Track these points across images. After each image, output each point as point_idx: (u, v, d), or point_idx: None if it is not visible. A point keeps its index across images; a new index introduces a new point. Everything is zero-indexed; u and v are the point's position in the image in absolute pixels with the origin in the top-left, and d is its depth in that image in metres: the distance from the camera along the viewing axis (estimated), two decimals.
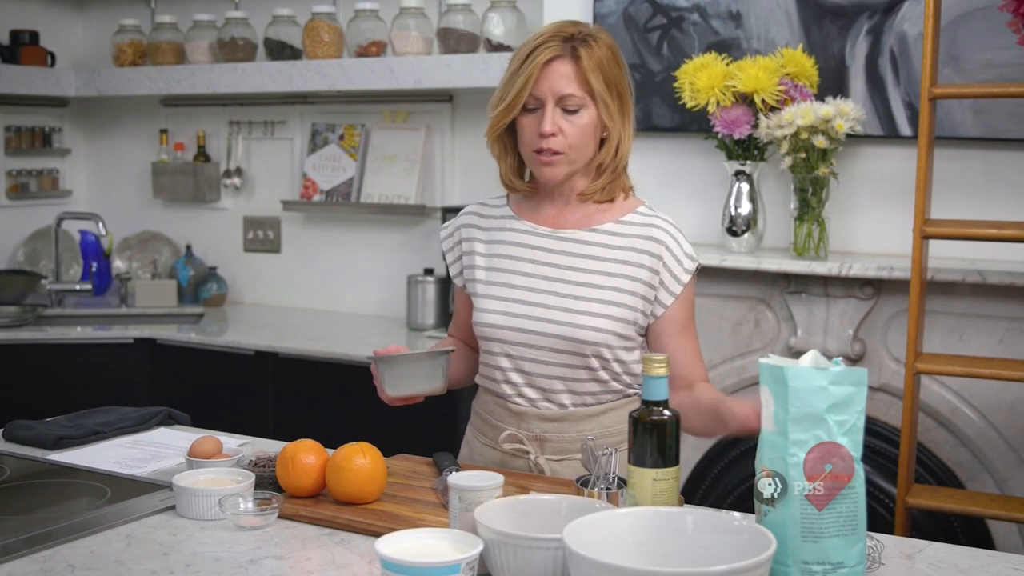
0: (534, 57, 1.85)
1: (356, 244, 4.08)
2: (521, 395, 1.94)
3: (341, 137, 4.01)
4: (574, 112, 1.86)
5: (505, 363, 1.93)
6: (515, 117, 1.90)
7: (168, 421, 2.27)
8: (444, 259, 2.07)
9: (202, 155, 4.31)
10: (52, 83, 4.26)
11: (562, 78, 1.85)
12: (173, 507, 1.70)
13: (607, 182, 1.94)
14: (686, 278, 1.91)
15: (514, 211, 2.00)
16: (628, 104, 1.92)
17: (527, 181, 1.99)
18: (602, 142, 1.93)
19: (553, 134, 1.86)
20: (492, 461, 1.96)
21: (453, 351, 1.91)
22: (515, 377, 1.93)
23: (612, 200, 1.96)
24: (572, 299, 1.89)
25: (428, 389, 1.87)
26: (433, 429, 2.91)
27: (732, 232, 3.02)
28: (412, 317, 3.71)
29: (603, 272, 1.90)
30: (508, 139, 1.96)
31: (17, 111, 4.39)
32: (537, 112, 1.87)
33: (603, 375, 1.91)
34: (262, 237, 4.28)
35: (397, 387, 1.87)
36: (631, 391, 1.94)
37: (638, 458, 1.52)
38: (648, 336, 1.95)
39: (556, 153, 1.87)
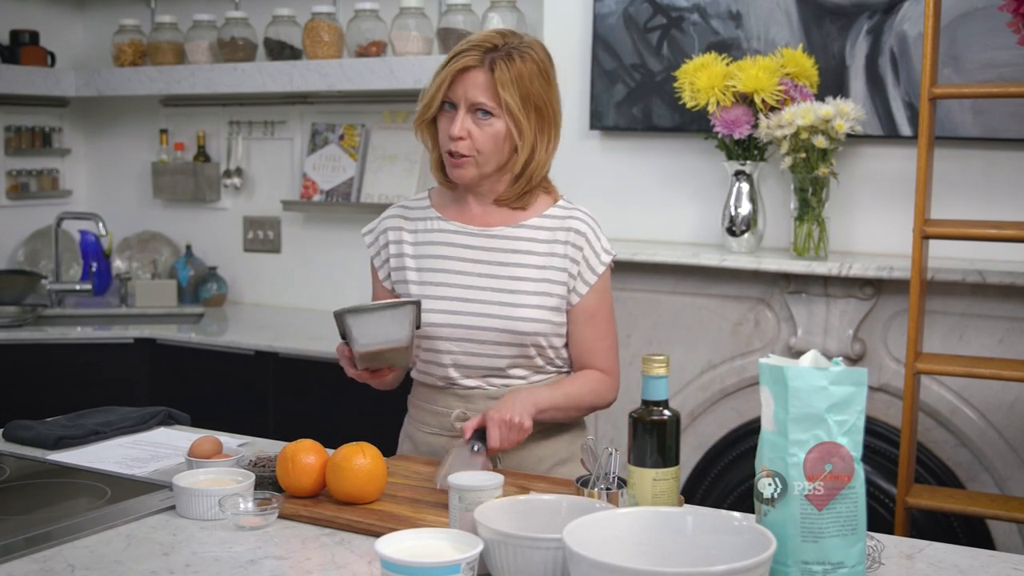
0: (454, 62, 1.93)
1: (356, 244, 4.05)
2: (463, 384, 2.00)
3: (341, 137, 4.01)
4: (484, 119, 1.93)
5: (446, 359, 1.99)
6: (435, 114, 1.98)
7: (168, 421, 2.27)
8: (371, 261, 2.13)
9: (202, 155, 4.31)
10: (52, 83, 4.26)
11: (475, 87, 1.92)
12: (173, 507, 1.70)
13: (522, 191, 2.01)
14: (601, 269, 2.01)
15: (439, 212, 2.07)
16: (549, 118, 1.97)
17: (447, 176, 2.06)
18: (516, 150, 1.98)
19: (461, 138, 1.93)
20: (439, 447, 2.01)
21: (419, 301, 1.90)
22: (458, 370, 2.00)
23: (525, 206, 2.03)
24: (508, 293, 1.97)
25: (396, 341, 1.85)
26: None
27: (732, 232, 3.02)
28: None
29: (533, 265, 1.99)
30: (432, 136, 2.03)
31: (17, 111, 4.39)
32: (451, 114, 1.95)
33: (539, 362, 2.00)
34: (262, 237, 4.28)
35: (366, 340, 1.85)
36: (564, 370, 2.04)
37: (638, 458, 1.52)
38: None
39: (464, 156, 1.94)
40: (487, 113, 1.92)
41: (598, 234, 2.03)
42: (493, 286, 1.97)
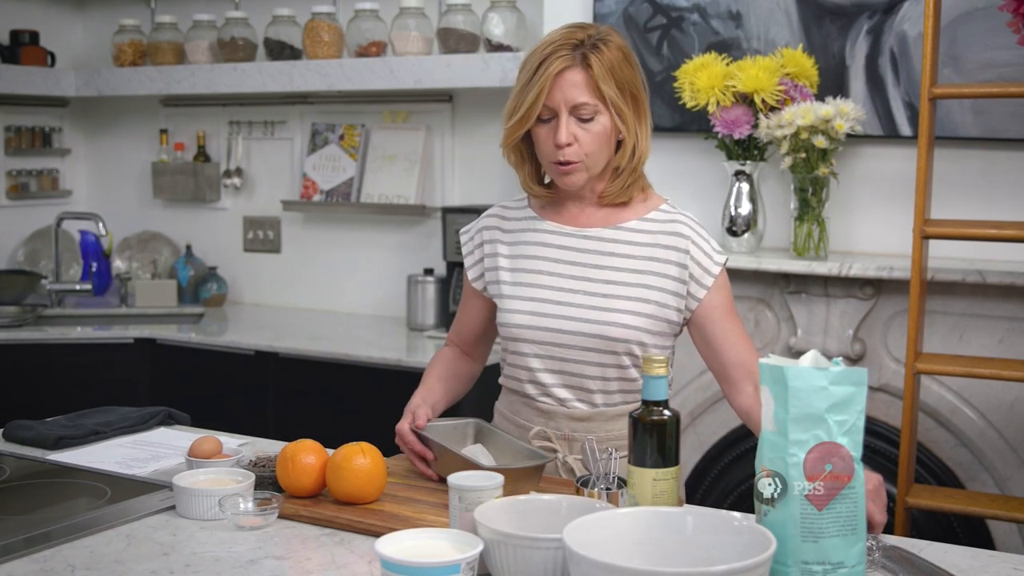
0: (545, 68, 1.83)
1: (356, 244, 4.08)
2: (549, 395, 1.94)
3: (341, 137, 4.01)
4: (588, 120, 1.85)
5: (535, 363, 1.93)
6: (530, 127, 1.89)
7: (168, 421, 2.27)
8: (463, 261, 2.05)
9: (202, 155, 4.31)
10: (52, 83, 4.26)
11: (574, 87, 1.84)
12: (173, 507, 1.70)
13: (625, 183, 1.93)
14: (716, 269, 1.91)
15: (536, 212, 2.00)
16: (643, 104, 1.91)
17: (546, 186, 1.99)
18: (619, 144, 1.92)
19: (569, 144, 1.85)
20: None
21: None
22: (544, 377, 1.93)
23: (631, 200, 1.96)
24: (601, 297, 1.89)
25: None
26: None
27: (732, 232, 3.02)
28: (412, 317, 3.71)
29: (630, 269, 1.91)
30: (524, 147, 1.95)
31: (17, 111, 4.39)
32: (551, 122, 1.87)
33: (632, 373, 1.90)
34: (262, 237, 4.28)
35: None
36: None
37: (638, 458, 1.52)
38: (692, 330, 1.94)
39: (574, 162, 1.87)
40: (584, 119, 1.84)
41: (704, 236, 1.93)
42: (585, 289, 1.90)
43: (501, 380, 2.04)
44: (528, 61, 1.88)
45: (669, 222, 1.93)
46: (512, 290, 1.95)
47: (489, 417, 2.08)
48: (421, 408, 1.91)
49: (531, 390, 1.95)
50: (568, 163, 1.86)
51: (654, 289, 1.89)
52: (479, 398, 2.32)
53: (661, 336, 1.91)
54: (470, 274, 2.03)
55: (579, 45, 1.85)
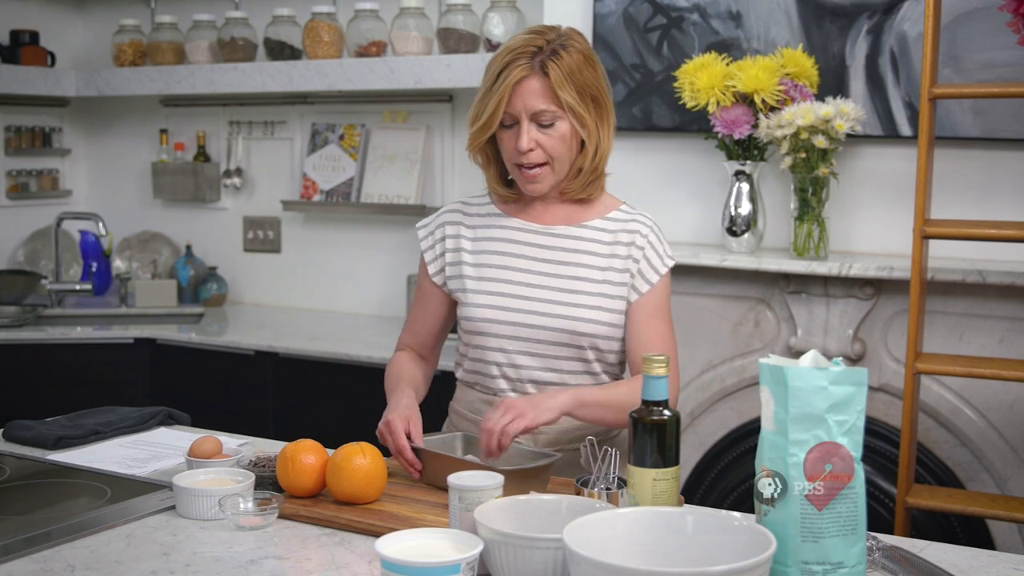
0: (505, 76, 1.88)
1: (356, 244, 4.08)
2: (516, 390, 1.97)
3: (341, 137, 4.01)
4: (548, 126, 1.90)
5: (500, 358, 1.97)
6: (493, 133, 1.94)
7: (168, 421, 2.27)
8: (422, 253, 2.07)
9: (202, 155, 4.31)
10: (52, 83, 4.26)
11: (533, 96, 1.88)
12: (173, 507, 1.70)
13: (586, 182, 1.99)
14: (663, 270, 1.99)
15: (500, 209, 2.04)
16: (604, 104, 1.95)
17: (511, 186, 2.03)
18: (583, 144, 1.96)
19: (531, 149, 1.90)
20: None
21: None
22: (509, 372, 1.97)
23: (591, 198, 2.02)
24: (569, 292, 1.95)
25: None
26: (435, 429, 2.91)
27: (732, 232, 3.02)
28: None
29: (595, 267, 1.97)
30: (490, 150, 2.01)
31: (17, 111, 4.39)
32: (514, 128, 1.92)
33: (596, 367, 1.97)
34: (262, 237, 4.28)
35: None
36: (620, 378, 2.00)
37: (638, 458, 1.52)
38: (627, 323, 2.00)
39: (537, 166, 1.92)
40: (544, 125, 1.89)
41: (660, 238, 2.02)
42: (553, 285, 1.95)
43: (459, 376, 2.06)
44: (489, 68, 1.93)
45: (630, 221, 2.01)
46: (477, 284, 1.99)
47: (439, 418, 2.09)
48: (415, 423, 1.87)
49: (492, 385, 1.98)
50: (531, 166, 1.92)
51: (616, 285, 1.96)
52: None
53: (619, 329, 1.97)
54: (430, 268, 2.06)
55: (538, 52, 1.89)
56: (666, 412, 1.52)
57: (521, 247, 1.99)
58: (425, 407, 2.02)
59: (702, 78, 2.91)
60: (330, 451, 1.77)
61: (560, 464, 1.94)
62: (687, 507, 1.57)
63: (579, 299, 1.94)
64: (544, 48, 1.89)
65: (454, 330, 2.12)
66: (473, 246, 2.02)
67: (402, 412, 1.88)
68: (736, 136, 2.92)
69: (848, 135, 2.83)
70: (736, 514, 1.38)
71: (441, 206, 3.75)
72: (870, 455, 2.78)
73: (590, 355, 1.95)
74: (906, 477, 2.58)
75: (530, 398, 1.83)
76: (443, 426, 2.11)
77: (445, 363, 2.24)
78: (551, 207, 2.02)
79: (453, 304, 2.07)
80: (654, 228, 2.02)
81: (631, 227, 2.00)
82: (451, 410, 2.09)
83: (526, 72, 1.88)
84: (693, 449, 3.11)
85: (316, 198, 4.03)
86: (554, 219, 2.01)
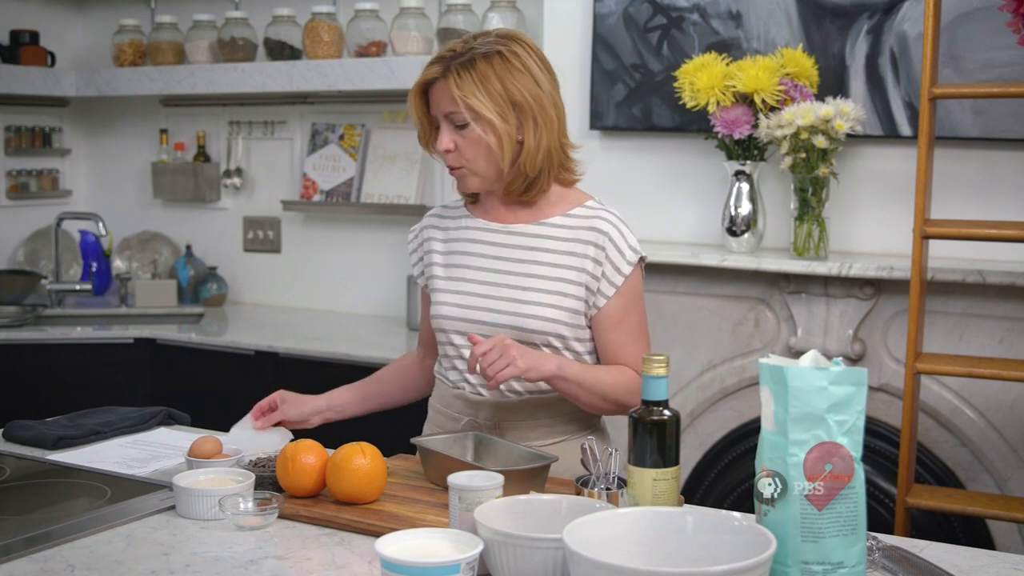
0: (419, 78, 1.95)
1: (356, 244, 4.08)
2: (480, 385, 1.99)
3: (341, 137, 4.01)
4: (463, 127, 1.92)
5: (463, 353, 1.99)
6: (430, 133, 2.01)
7: (168, 421, 2.27)
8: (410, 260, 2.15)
9: (202, 155, 4.31)
10: (52, 83, 4.26)
11: (444, 98, 1.92)
12: (173, 507, 1.70)
13: (523, 185, 1.97)
14: (627, 270, 1.95)
15: (468, 211, 2.09)
16: (530, 108, 1.91)
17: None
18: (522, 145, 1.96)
19: (448, 150, 1.94)
20: None
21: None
22: (464, 372, 2.00)
23: (532, 202, 2.00)
24: (520, 290, 1.96)
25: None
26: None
27: (732, 232, 3.02)
28: (412, 317, 3.71)
29: (549, 264, 1.97)
30: None
31: (17, 111, 4.39)
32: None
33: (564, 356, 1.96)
34: (262, 237, 4.28)
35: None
36: None
37: (638, 458, 1.52)
38: (592, 329, 1.99)
39: (456, 168, 1.96)
40: (459, 126, 1.92)
41: (624, 233, 1.96)
42: (507, 282, 1.97)
43: (435, 371, 2.11)
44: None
45: (591, 218, 1.98)
46: (444, 284, 2.03)
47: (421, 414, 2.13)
48: (288, 399, 2.07)
49: (454, 380, 2.02)
50: (452, 168, 1.97)
51: (572, 283, 1.95)
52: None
53: (579, 328, 1.97)
54: (414, 271, 2.14)
55: (451, 57, 1.92)
56: (666, 412, 1.53)
57: (482, 246, 2.03)
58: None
59: (702, 78, 2.91)
60: (330, 451, 1.77)
61: (559, 465, 1.94)
62: (687, 507, 1.57)
63: (531, 296, 1.94)
64: (462, 53, 1.91)
65: None
66: (444, 247, 2.07)
67: (293, 395, 2.07)
68: (736, 136, 2.92)
69: (848, 135, 2.83)
70: (736, 514, 1.38)
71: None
72: (870, 455, 2.78)
73: (549, 350, 1.94)
74: (906, 477, 2.58)
75: (525, 350, 1.85)
76: (424, 422, 2.12)
77: None
78: (510, 206, 2.03)
79: None
80: (617, 225, 1.96)
81: (593, 224, 1.96)
82: (429, 406, 2.13)
83: (436, 74, 1.92)
84: (693, 449, 3.11)
85: (316, 198, 4.03)
86: (516, 218, 2.03)
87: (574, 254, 1.96)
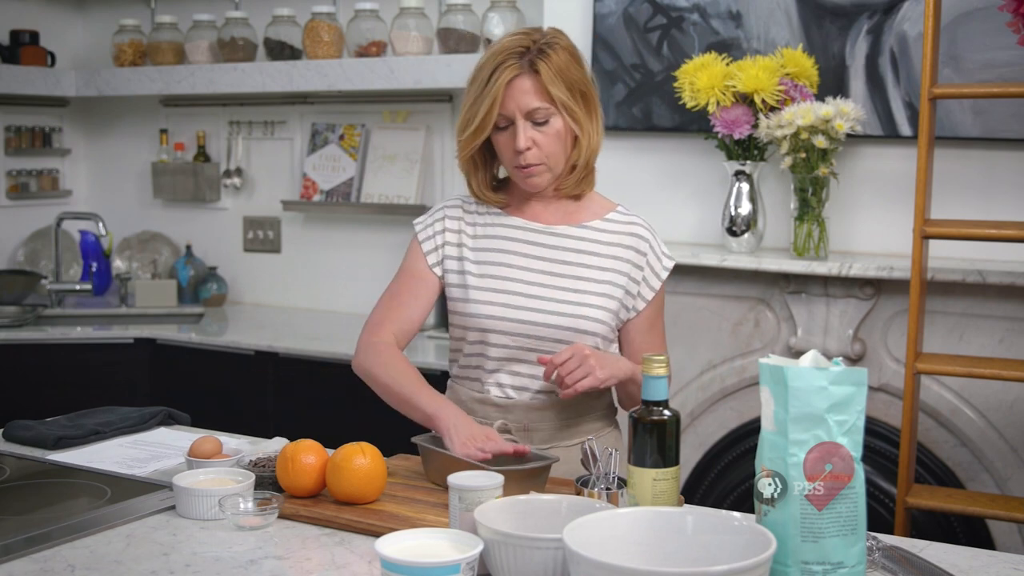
0: (496, 77, 1.90)
1: (356, 244, 4.08)
2: (512, 387, 1.98)
3: (341, 137, 4.01)
4: (543, 123, 1.92)
5: (501, 353, 1.97)
6: (489, 137, 1.96)
7: (168, 421, 2.27)
8: (419, 243, 2.06)
9: (202, 155, 4.31)
10: (52, 83, 4.26)
11: (525, 94, 1.90)
12: (173, 507, 1.70)
13: (580, 178, 2.01)
14: (664, 275, 2.03)
15: (504, 209, 2.05)
16: (593, 100, 1.97)
17: (498, 192, 2.06)
18: (576, 141, 1.98)
19: (528, 148, 1.92)
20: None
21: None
22: (506, 367, 1.98)
23: (581, 195, 2.03)
24: (572, 292, 1.96)
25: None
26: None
27: (732, 232, 3.02)
28: None
29: (596, 267, 1.99)
30: (479, 156, 2.02)
31: (17, 111, 4.39)
32: (508, 129, 1.93)
33: None
34: (262, 237, 4.28)
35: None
36: None
37: (638, 458, 1.52)
38: (620, 331, 2.03)
39: (535, 165, 1.94)
40: (539, 123, 1.91)
41: (659, 241, 2.04)
42: (557, 284, 1.97)
43: (454, 373, 2.07)
44: (478, 72, 1.95)
45: (628, 223, 2.03)
46: (480, 282, 1.99)
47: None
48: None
49: (487, 383, 1.99)
50: (529, 166, 1.94)
51: (615, 286, 1.98)
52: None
53: (614, 331, 2.00)
54: (429, 257, 2.04)
55: (526, 52, 1.91)
56: (666, 412, 1.53)
57: (523, 246, 2.01)
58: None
59: (702, 78, 2.91)
60: (330, 451, 1.77)
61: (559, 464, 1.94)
62: (687, 507, 1.57)
63: (583, 298, 1.96)
64: (531, 47, 1.91)
65: (445, 328, 2.11)
66: (474, 243, 2.03)
67: (473, 429, 1.83)
68: (736, 136, 2.92)
69: (848, 135, 2.83)
70: (736, 514, 1.38)
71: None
72: (870, 455, 2.78)
73: None
74: (906, 477, 2.58)
75: (603, 358, 1.86)
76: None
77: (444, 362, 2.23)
78: (549, 206, 2.03)
79: (440, 296, 2.06)
80: (653, 233, 2.05)
81: (632, 231, 2.02)
82: None
83: (517, 71, 1.90)
84: (693, 449, 3.11)
85: (316, 198, 4.03)
86: (553, 218, 2.03)
87: (618, 258, 2.00)
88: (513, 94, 1.90)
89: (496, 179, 2.08)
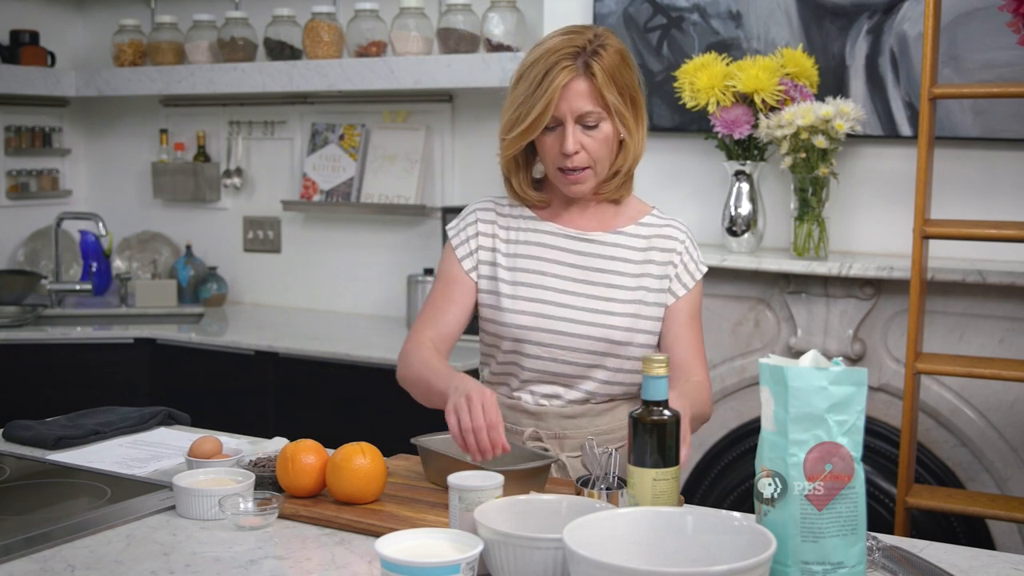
0: (551, 79, 1.83)
1: (356, 244, 4.08)
2: (544, 395, 1.95)
3: (341, 137, 4.01)
4: (593, 127, 1.87)
5: (535, 364, 1.94)
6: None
7: (168, 421, 2.27)
8: (453, 248, 2.00)
9: (202, 155, 4.31)
10: (52, 83, 4.26)
11: (579, 97, 1.85)
12: (173, 507, 1.70)
13: (621, 182, 1.97)
14: (698, 275, 2.00)
15: (534, 213, 2.01)
16: (641, 104, 1.94)
17: (539, 191, 2.01)
18: (620, 145, 1.94)
19: (576, 152, 1.87)
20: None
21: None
22: (541, 377, 1.95)
23: (620, 200, 2.00)
24: (605, 300, 1.93)
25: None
26: (435, 429, 2.91)
27: (732, 232, 3.02)
28: (412, 317, 3.70)
29: (631, 274, 1.96)
30: (520, 156, 1.97)
31: (17, 111, 4.39)
32: (556, 131, 1.88)
33: (627, 368, 1.95)
34: (262, 237, 4.28)
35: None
36: (636, 371, 1.97)
37: (638, 458, 1.52)
38: (664, 322, 1.99)
39: (582, 169, 1.89)
40: (588, 126, 1.86)
41: (695, 244, 2.02)
42: (589, 292, 1.94)
43: (485, 377, 2.04)
44: (529, 71, 1.87)
45: (664, 226, 2.00)
46: (512, 289, 1.95)
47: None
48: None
49: (523, 391, 1.96)
50: (575, 170, 1.89)
51: (652, 291, 1.95)
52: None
53: (654, 336, 1.97)
54: (464, 263, 1.99)
55: (580, 53, 1.85)
56: (666, 412, 1.52)
57: (557, 253, 1.97)
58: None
59: (702, 78, 2.91)
60: (330, 451, 1.77)
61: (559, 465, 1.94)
62: (687, 507, 1.57)
63: (613, 307, 1.92)
64: (586, 48, 1.85)
65: (474, 332, 2.06)
66: (507, 248, 1.99)
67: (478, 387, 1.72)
68: (736, 136, 2.92)
69: (848, 135, 2.83)
70: (736, 514, 1.38)
71: (441, 206, 3.78)
72: (870, 455, 2.78)
73: (627, 364, 1.93)
74: (906, 477, 2.58)
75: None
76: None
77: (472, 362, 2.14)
78: (586, 211, 1.99)
79: (476, 300, 2.01)
80: (689, 235, 2.02)
81: (666, 233, 1.99)
82: None
83: (572, 73, 1.84)
84: (693, 449, 3.10)
85: (316, 198, 4.03)
86: (588, 224, 1.99)
87: (652, 262, 1.97)
88: (567, 96, 1.84)
89: (534, 179, 2.02)
